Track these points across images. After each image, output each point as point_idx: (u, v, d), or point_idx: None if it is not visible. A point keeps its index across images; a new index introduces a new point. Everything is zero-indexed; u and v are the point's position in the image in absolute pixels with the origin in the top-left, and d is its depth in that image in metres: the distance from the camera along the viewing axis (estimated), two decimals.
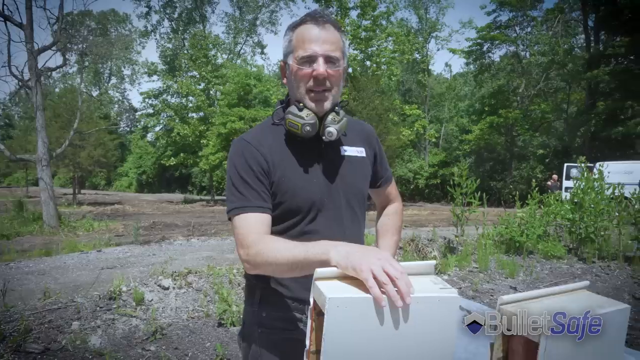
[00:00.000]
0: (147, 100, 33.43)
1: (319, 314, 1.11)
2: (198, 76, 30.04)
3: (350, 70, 25.24)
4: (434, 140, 37.20)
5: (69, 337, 3.49)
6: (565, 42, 31.24)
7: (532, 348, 1.13)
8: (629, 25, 26.25)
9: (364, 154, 1.56)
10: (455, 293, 1.07)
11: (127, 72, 50.75)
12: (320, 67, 1.34)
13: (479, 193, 6.28)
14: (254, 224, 1.31)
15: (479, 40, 33.00)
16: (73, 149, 23.96)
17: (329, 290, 0.99)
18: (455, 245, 6.62)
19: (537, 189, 7.05)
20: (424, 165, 35.50)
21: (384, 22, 26.64)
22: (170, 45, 37.51)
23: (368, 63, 26.35)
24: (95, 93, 45.94)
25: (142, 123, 36.57)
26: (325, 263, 1.09)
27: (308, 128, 1.37)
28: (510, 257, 6.36)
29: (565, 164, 20.25)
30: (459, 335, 1.16)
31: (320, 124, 1.40)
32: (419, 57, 37.06)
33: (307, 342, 1.12)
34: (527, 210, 6.72)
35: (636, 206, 6.54)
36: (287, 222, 1.41)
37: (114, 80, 52.32)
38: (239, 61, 41.80)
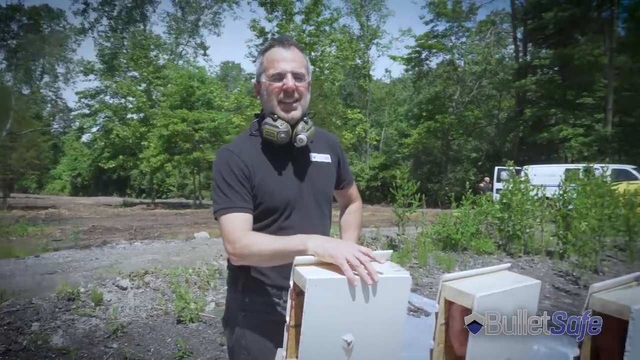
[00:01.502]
0: (83, 100, 32.09)
1: (299, 294, 1.35)
2: (139, 76, 29.23)
3: None
4: (374, 143, 38.04)
5: (30, 338, 3.52)
6: (496, 52, 32.96)
7: (468, 314, 1.44)
8: (553, 38, 28.16)
9: (329, 160, 1.82)
10: (408, 274, 1.34)
11: (61, 70, 48.38)
12: (290, 81, 1.61)
13: (419, 194, 6.74)
14: (239, 222, 1.54)
15: (417, 48, 34.05)
16: (3, 150, 22.72)
17: (308, 273, 1.22)
18: (397, 243, 7.02)
19: (470, 190, 7.64)
20: (365, 168, 36.24)
21: (327, 28, 27.06)
22: (108, 44, 36.17)
23: (311, 68, 26.62)
24: (26, 91, 43.52)
25: (77, 124, 35.01)
26: (302, 252, 1.33)
27: (283, 135, 1.61)
28: (447, 253, 6.82)
29: (496, 167, 21.32)
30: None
31: (292, 132, 1.65)
32: (361, 63, 37.87)
33: (287, 318, 1.36)
34: (462, 210, 7.24)
35: (557, 206, 7.21)
36: (267, 220, 1.65)
37: (46, 79, 49.72)
38: (181, 62, 40.95)
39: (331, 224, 1.87)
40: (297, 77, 1.63)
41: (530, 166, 8.18)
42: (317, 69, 25.75)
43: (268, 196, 1.63)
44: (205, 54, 51.76)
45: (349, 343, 1.24)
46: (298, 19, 25.64)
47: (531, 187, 7.20)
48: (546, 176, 12.66)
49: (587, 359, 1.29)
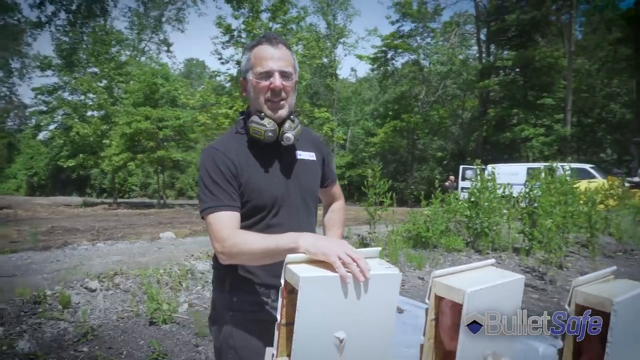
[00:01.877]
0: (39, 96, 30.95)
1: (290, 292, 1.33)
2: (99, 73, 28.43)
3: None
4: (342, 142, 38.23)
5: None
6: (460, 53, 33.65)
7: (458, 309, 1.44)
8: (515, 40, 28.96)
9: (314, 158, 1.80)
10: (397, 271, 1.34)
11: (16, 65, 46.53)
12: (277, 80, 1.58)
13: (390, 193, 6.79)
14: (227, 221, 1.51)
15: (383, 48, 34.46)
16: None
17: (301, 271, 1.21)
18: (368, 241, 7.06)
19: (440, 188, 7.75)
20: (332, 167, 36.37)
21: (294, 27, 26.97)
22: (67, 39, 34.98)
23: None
24: None
25: (33, 121, 33.79)
26: (294, 250, 1.31)
27: (270, 134, 1.58)
28: (417, 251, 6.91)
29: (461, 166, 21.79)
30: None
31: (278, 130, 1.62)
32: (327, 62, 37.93)
33: (278, 317, 1.34)
34: (432, 209, 7.34)
35: (522, 204, 7.40)
36: (254, 218, 1.62)
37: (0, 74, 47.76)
38: (143, 58, 40.05)
39: (316, 222, 1.85)
40: (284, 75, 1.61)
41: (495, 165, 8.35)
42: None
43: (256, 194, 1.60)
44: (168, 51, 50.55)
45: (341, 340, 1.24)
46: (265, 16, 25.45)
47: (498, 185, 7.36)
48: (509, 175, 12.98)
49: (570, 350, 1.31)
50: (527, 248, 6.47)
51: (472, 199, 7.31)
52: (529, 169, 16.90)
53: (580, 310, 1.34)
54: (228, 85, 27.47)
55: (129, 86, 27.32)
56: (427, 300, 1.41)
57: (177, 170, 39.01)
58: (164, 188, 32.57)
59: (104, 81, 28.93)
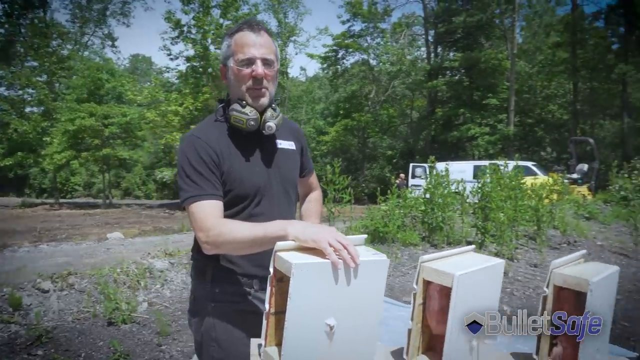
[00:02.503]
0: None
1: (279, 281, 1.32)
2: (39, 67, 27.07)
3: (210, 70, 24.85)
4: None
5: None
6: (409, 53, 34.33)
7: (446, 293, 1.47)
8: (461, 42, 29.89)
9: (294, 147, 1.79)
10: (385, 257, 1.37)
11: None
12: (259, 68, 1.55)
13: (349, 189, 6.86)
14: (211, 210, 1.47)
15: (334, 47, 34.64)
16: None
17: (292, 258, 1.20)
18: None
19: (396, 186, 7.92)
20: None
21: None
22: (2, 31, 33.09)
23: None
24: None
25: None
26: (282, 238, 1.30)
27: (252, 123, 1.56)
28: (376, 245, 7.00)
29: (411, 164, 22.29)
30: None
31: (260, 119, 1.60)
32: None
33: (267, 306, 1.33)
34: (389, 205, 7.46)
35: (473, 200, 7.66)
36: (237, 207, 1.59)
37: None
38: (86, 53, 38.48)
39: (296, 212, 1.84)
40: (266, 63, 1.58)
41: (443, 163, 8.59)
42: None
43: (238, 183, 1.58)
44: (113, 46, 48.79)
45: (331, 327, 1.24)
46: (216, 12, 25.06)
47: (452, 181, 7.58)
48: (457, 172, 13.40)
49: (547, 330, 1.37)
50: (479, 241, 6.69)
51: (427, 195, 7.49)
52: (475, 166, 17.54)
53: (557, 291, 1.40)
54: (177, 81, 26.85)
55: (72, 81, 26.24)
56: (414, 285, 1.43)
57: (124, 169, 37.77)
58: (110, 187, 31.40)
59: (44, 76, 27.57)
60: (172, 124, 23.47)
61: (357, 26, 34.48)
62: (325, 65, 36.92)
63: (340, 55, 35.20)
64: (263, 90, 1.59)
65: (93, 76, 25.00)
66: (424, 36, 34.23)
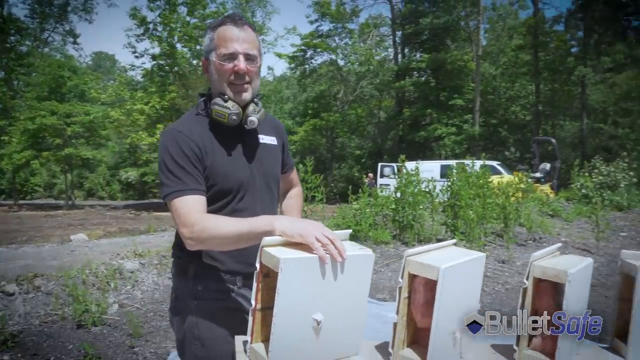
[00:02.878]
0: None
1: (266, 276, 1.31)
2: None
3: (177, 68, 24.49)
4: None
5: None
6: (377, 54, 34.64)
7: (431, 286, 1.49)
8: (428, 44, 30.34)
9: (275, 143, 1.78)
10: (370, 252, 1.38)
11: None
12: (242, 63, 1.54)
13: (321, 188, 6.87)
14: (194, 205, 1.45)
15: (302, 47, 34.63)
16: None
17: (279, 253, 1.20)
18: None
19: (367, 185, 7.99)
20: None
21: (212, 22, 26.38)
22: None
23: (195, 62, 25.84)
24: None
25: None
26: (269, 233, 1.29)
27: (234, 117, 1.54)
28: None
29: (380, 164, 22.50)
30: None
31: (242, 113, 1.58)
32: None
33: (253, 302, 1.32)
34: (361, 203, 7.52)
35: (443, 198, 7.79)
36: (220, 202, 1.57)
37: None
38: (47, 50, 37.27)
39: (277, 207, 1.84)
40: (249, 58, 1.56)
41: (419, 162, 8.71)
42: (200, 63, 25.05)
43: (221, 178, 1.56)
44: (75, 42, 47.45)
45: (318, 322, 1.24)
46: (183, 10, 24.70)
47: (422, 179, 7.69)
48: (425, 172, 13.61)
49: (530, 324, 1.41)
50: (449, 239, 6.80)
51: (398, 194, 7.57)
52: (442, 166, 17.85)
53: (537, 282, 1.43)
54: (143, 80, 26.36)
55: (31, 78, 25.46)
56: (400, 279, 1.45)
57: (87, 169, 36.72)
58: (72, 188, 30.52)
59: (2, 73, 26.64)
60: (137, 123, 23.05)
61: (326, 26, 34.60)
62: (293, 65, 36.88)
63: (308, 55, 35.21)
64: (245, 85, 1.57)
65: (54, 73, 24.26)
66: (391, 37, 34.62)
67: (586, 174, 11.41)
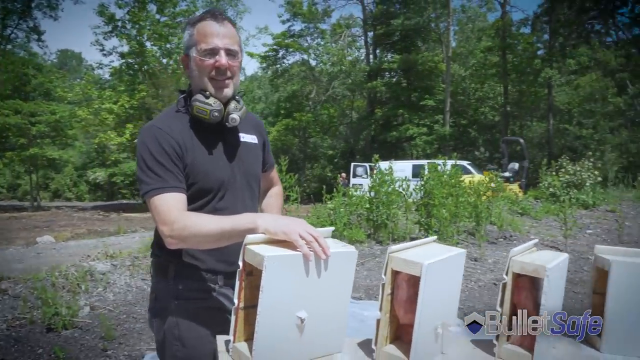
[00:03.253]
0: None
1: (249, 274, 1.30)
2: None
3: (146, 67, 24.10)
4: None
5: None
6: (349, 54, 34.80)
7: (413, 282, 1.49)
8: (399, 45, 30.65)
9: (256, 141, 1.76)
10: (354, 249, 1.38)
11: None
12: (223, 58, 1.51)
13: (295, 188, 6.86)
14: (174, 203, 1.42)
15: (274, 47, 34.54)
16: None
17: (263, 251, 1.19)
18: None
19: (341, 184, 8.02)
20: None
21: (182, 20, 26.05)
22: None
23: (165, 61, 25.48)
24: None
25: None
26: (252, 231, 1.28)
27: (216, 114, 1.52)
28: None
29: (352, 164, 22.63)
30: None
31: (223, 110, 1.56)
32: None
33: (236, 300, 1.31)
34: (335, 203, 7.54)
35: (417, 197, 7.87)
36: (200, 201, 1.54)
37: None
38: (9, 47, 36.08)
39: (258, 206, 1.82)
40: (230, 54, 1.54)
41: (392, 161, 8.77)
42: (174, 63, 24.73)
43: (202, 176, 1.53)
44: (40, 40, 46.10)
45: (302, 320, 1.23)
46: (152, 8, 24.32)
47: (396, 179, 7.76)
48: (397, 171, 13.73)
49: (507, 314, 1.43)
50: (423, 237, 6.87)
51: (372, 193, 7.62)
52: (414, 165, 18.06)
53: (516, 277, 1.45)
54: (111, 78, 25.86)
55: None
56: (383, 276, 1.45)
57: (53, 170, 35.80)
58: (37, 189, 29.68)
59: None
60: (106, 123, 22.62)
61: (297, 26, 34.59)
62: (265, 65, 36.74)
63: (280, 54, 35.13)
64: (227, 81, 1.55)
65: (18, 71, 23.63)
66: (362, 38, 34.81)
67: (553, 174, 11.72)
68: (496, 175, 9.46)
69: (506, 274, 1.42)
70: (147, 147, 1.47)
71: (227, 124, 1.57)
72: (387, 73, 32.42)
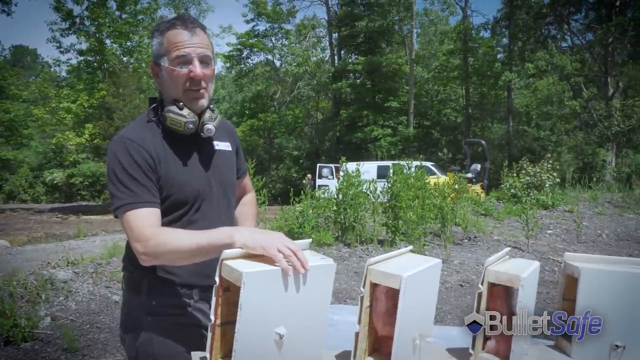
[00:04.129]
0: None
1: (226, 290, 1.27)
2: None
3: (106, 65, 23.46)
4: None
5: None
6: (314, 55, 34.84)
7: (392, 295, 1.49)
8: (363, 46, 30.90)
9: (230, 149, 1.72)
10: (332, 261, 1.37)
11: None
12: (197, 68, 1.46)
13: (263, 190, 6.81)
14: (148, 218, 1.37)
15: (238, 47, 34.25)
16: None
17: (241, 266, 1.17)
18: None
19: (308, 186, 8.00)
20: None
21: (144, 18, 25.51)
22: None
23: (126, 59, 24.87)
24: None
25: None
26: (229, 246, 1.24)
27: (191, 126, 1.47)
28: None
29: (318, 165, 22.65)
30: None
31: (198, 121, 1.51)
32: None
33: (213, 317, 1.28)
34: (303, 205, 7.51)
35: (383, 199, 7.92)
36: (175, 214, 1.50)
37: None
38: None
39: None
40: (203, 61, 1.49)
41: (361, 163, 8.80)
42: (135, 61, 24.19)
43: (176, 188, 1.48)
44: None
45: (281, 336, 1.22)
46: (112, 4, 23.68)
47: (363, 181, 7.80)
48: (363, 173, 13.81)
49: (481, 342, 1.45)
50: (390, 240, 6.94)
51: (340, 195, 7.63)
52: (379, 166, 18.22)
53: (491, 287, 1.47)
54: (69, 76, 25.08)
55: None
56: (362, 289, 1.45)
57: (6, 171, 34.40)
58: None
59: None
60: (64, 122, 21.90)
61: (262, 26, 34.39)
62: (229, 65, 36.38)
63: (244, 54, 34.86)
64: (202, 91, 1.50)
65: None
66: (327, 39, 34.93)
67: (514, 175, 12.03)
68: (460, 176, 9.63)
69: (482, 284, 1.44)
70: (119, 160, 1.41)
71: (202, 134, 1.52)
72: (351, 74, 32.60)
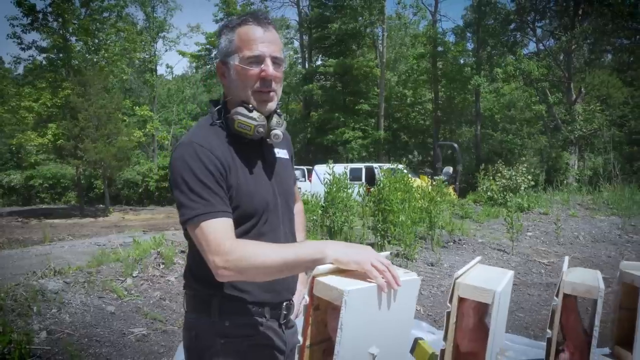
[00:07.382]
0: None
1: (315, 309, 1.19)
2: None
3: (70, 63, 22.73)
4: (165, 142, 36.43)
5: None
6: (286, 57, 34.71)
7: (480, 309, 1.43)
8: (335, 49, 30.99)
9: (288, 157, 1.63)
10: (416, 275, 1.31)
11: None
12: (270, 68, 1.36)
13: None
14: (225, 230, 1.26)
15: (207, 46, 33.83)
16: None
17: (339, 284, 1.09)
18: None
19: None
20: (154, 168, 34.35)
21: (110, 14, 24.83)
22: None
23: (91, 57, 24.14)
24: None
25: None
26: (319, 261, 1.16)
27: (261, 129, 1.37)
28: None
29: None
30: None
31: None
32: (148, 57, 35.70)
33: (301, 338, 1.19)
34: None
35: (370, 203, 7.89)
36: (244, 226, 1.38)
37: None
38: None
39: None
40: (276, 62, 1.38)
41: (333, 164, 8.72)
42: (102, 60, 23.52)
43: (247, 198, 1.37)
44: None
45: (374, 356, 1.16)
46: (77, 0, 22.95)
47: (351, 184, 7.76)
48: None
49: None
50: (379, 243, 6.91)
51: (328, 198, 7.56)
52: (351, 169, 18.25)
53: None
54: (30, 74, 24.19)
55: None
56: (448, 304, 1.38)
57: None
58: None
59: None
60: (25, 122, 21.10)
61: None
62: (197, 64, 35.87)
63: (213, 54, 34.40)
64: (271, 93, 1.40)
65: None
66: (298, 41, 34.87)
67: (491, 178, 12.25)
68: (440, 180, 9.70)
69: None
70: (189, 166, 1.29)
71: (268, 140, 1.43)
72: (322, 76, 32.62)
